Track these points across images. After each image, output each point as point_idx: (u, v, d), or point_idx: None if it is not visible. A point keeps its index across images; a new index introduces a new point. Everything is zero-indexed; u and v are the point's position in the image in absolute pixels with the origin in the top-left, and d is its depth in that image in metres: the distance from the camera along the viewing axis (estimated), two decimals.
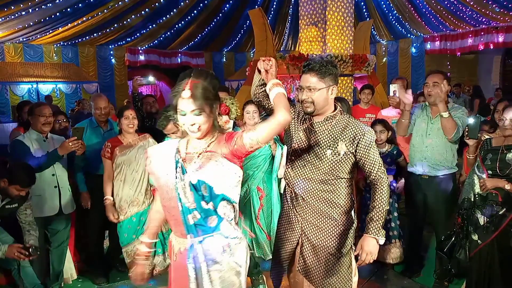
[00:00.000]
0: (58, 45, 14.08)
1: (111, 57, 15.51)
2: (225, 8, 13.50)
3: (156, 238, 1.95)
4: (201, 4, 12.86)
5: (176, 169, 1.68)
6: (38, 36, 12.89)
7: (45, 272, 3.38)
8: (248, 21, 13.20)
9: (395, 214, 3.61)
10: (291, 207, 2.25)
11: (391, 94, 3.80)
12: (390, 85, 3.94)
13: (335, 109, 2.20)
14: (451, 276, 3.04)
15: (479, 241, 2.69)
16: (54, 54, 14.10)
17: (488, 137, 2.95)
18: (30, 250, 2.71)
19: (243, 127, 3.90)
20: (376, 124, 3.62)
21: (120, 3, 11.38)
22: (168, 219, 1.76)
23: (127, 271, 3.59)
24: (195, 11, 13.23)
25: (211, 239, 1.68)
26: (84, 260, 3.84)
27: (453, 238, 2.81)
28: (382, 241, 2.07)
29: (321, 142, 2.14)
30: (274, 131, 1.66)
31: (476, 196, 2.78)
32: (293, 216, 2.23)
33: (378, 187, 2.11)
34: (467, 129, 2.98)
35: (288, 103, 1.73)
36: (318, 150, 2.13)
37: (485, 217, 2.70)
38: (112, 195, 3.31)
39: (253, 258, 3.43)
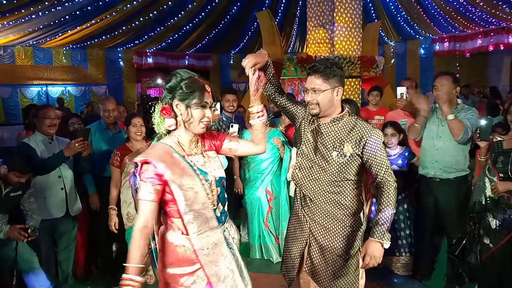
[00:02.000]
0: (67, 48, 14.23)
1: (120, 60, 15.63)
2: (233, 10, 13.53)
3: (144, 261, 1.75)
4: (208, 6, 12.91)
5: (194, 171, 1.75)
6: (48, 39, 13.03)
7: (54, 274, 3.40)
8: (255, 23, 13.22)
9: (408, 231, 3.54)
10: (300, 207, 2.26)
11: (399, 96, 3.78)
12: (397, 87, 3.92)
13: (343, 110, 2.18)
14: (463, 280, 3.00)
15: (491, 245, 2.66)
16: (63, 57, 14.25)
17: (499, 139, 2.91)
18: (29, 230, 2.72)
19: (251, 129, 3.90)
20: (387, 127, 3.56)
21: (128, 5, 11.46)
22: (190, 221, 1.74)
23: None
24: (202, 14, 13.29)
25: (229, 221, 1.93)
26: (94, 263, 3.85)
27: (464, 242, 2.77)
28: (387, 245, 2.03)
29: (327, 143, 2.13)
30: (250, 154, 2.15)
31: (488, 199, 2.74)
32: (302, 216, 2.24)
33: (384, 190, 2.07)
34: (478, 131, 2.94)
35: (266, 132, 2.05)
36: (325, 152, 2.13)
37: (497, 221, 2.66)
38: (118, 204, 3.30)
39: None
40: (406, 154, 3.55)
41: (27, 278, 2.97)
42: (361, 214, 2.21)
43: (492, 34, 13.01)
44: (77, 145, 3.08)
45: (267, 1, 13.17)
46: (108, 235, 3.73)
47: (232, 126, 3.69)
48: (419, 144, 3.49)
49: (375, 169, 2.09)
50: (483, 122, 2.90)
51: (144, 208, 1.66)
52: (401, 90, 3.79)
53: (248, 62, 1.97)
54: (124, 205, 3.29)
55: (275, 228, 3.91)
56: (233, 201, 4.16)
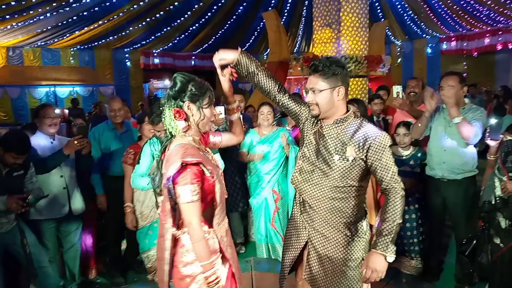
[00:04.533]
0: (75, 48, 14.35)
1: (127, 60, 15.73)
2: (239, 11, 13.56)
3: None
4: (215, 7, 12.95)
5: (214, 165, 1.89)
6: (56, 40, 13.15)
7: (62, 272, 3.43)
8: (261, 23, 13.24)
9: (414, 232, 3.52)
10: (299, 213, 2.12)
11: (395, 95, 3.77)
12: (393, 86, 3.92)
13: (348, 111, 2.03)
14: (473, 280, 2.98)
15: (501, 244, 2.63)
16: (71, 58, 14.39)
17: (510, 138, 2.88)
18: (27, 200, 2.70)
19: (257, 129, 3.91)
20: (400, 127, 3.52)
21: (135, 6, 11.53)
22: (218, 211, 1.87)
23: (145, 273, 3.62)
24: (209, 14, 13.33)
25: None
26: (102, 261, 3.87)
27: (474, 242, 2.75)
28: (391, 258, 1.86)
29: (329, 146, 1.98)
30: (231, 145, 2.22)
31: (497, 199, 2.72)
32: (300, 223, 2.10)
33: (390, 197, 1.91)
34: (488, 130, 2.91)
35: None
36: (327, 155, 1.97)
37: (507, 220, 2.64)
38: (132, 202, 3.31)
39: None
40: (419, 155, 3.49)
41: (36, 276, 3.00)
42: (364, 222, 2.07)
43: (500, 33, 12.93)
44: (75, 142, 3.05)
45: (273, 1, 13.18)
46: (116, 234, 3.77)
47: None
48: (425, 143, 3.47)
49: (380, 173, 1.92)
50: (493, 121, 2.88)
51: (195, 208, 1.70)
52: (397, 89, 3.78)
53: (214, 57, 2.04)
54: (137, 204, 3.29)
55: (282, 228, 3.90)
56: (242, 201, 4.18)
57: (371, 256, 1.90)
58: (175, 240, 1.83)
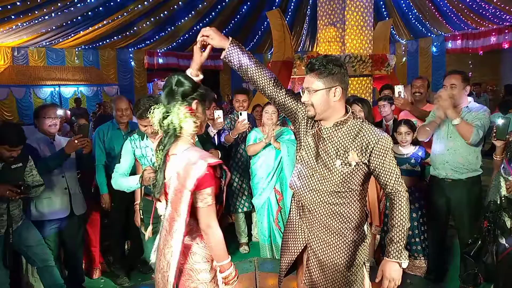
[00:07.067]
0: (80, 48, 14.41)
1: (131, 60, 15.78)
2: (243, 10, 13.56)
3: None
4: (218, 6, 12.95)
5: None
6: (60, 40, 13.21)
7: (66, 272, 3.44)
8: (265, 23, 13.24)
9: (416, 231, 3.50)
10: (297, 217, 2.05)
11: (396, 95, 3.76)
12: (395, 86, 3.89)
13: (348, 112, 1.94)
14: (478, 280, 2.96)
15: (506, 245, 2.61)
16: (75, 58, 14.47)
17: None
18: (22, 187, 2.65)
19: (262, 128, 3.90)
20: (402, 125, 3.49)
21: (139, 6, 11.56)
22: (218, 213, 1.82)
23: (149, 273, 3.62)
24: (213, 13, 13.34)
25: None
26: (106, 261, 3.89)
27: (479, 242, 2.73)
28: (405, 264, 1.83)
29: (330, 151, 1.89)
30: None
31: (503, 198, 2.70)
32: (299, 227, 2.04)
33: (396, 202, 1.85)
34: (495, 130, 2.88)
35: None
36: (327, 160, 1.89)
37: None
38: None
39: None
40: (420, 153, 3.48)
41: (41, 275, 3.01)
42: (365, 226, 2.01)
43: (506, 31, 12.84)
44: (76, 141, 3.03)
45: (277, 0, 13.16)
46: (120, 233, 3.77)
47: (241, 114, 3.84)
48: (429, 144, 3.44)
49: (383, 178, 1.87)
50: (500, 121, 2.85)
51: (213, 210, 1.68)
52: (398, 89, 3.78)
53: (201, 32, 1.93)
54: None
55: None
56: (247, 202, 4.18)
57: (386, 265, 1.85)
58: (184, 248, 1.73)
